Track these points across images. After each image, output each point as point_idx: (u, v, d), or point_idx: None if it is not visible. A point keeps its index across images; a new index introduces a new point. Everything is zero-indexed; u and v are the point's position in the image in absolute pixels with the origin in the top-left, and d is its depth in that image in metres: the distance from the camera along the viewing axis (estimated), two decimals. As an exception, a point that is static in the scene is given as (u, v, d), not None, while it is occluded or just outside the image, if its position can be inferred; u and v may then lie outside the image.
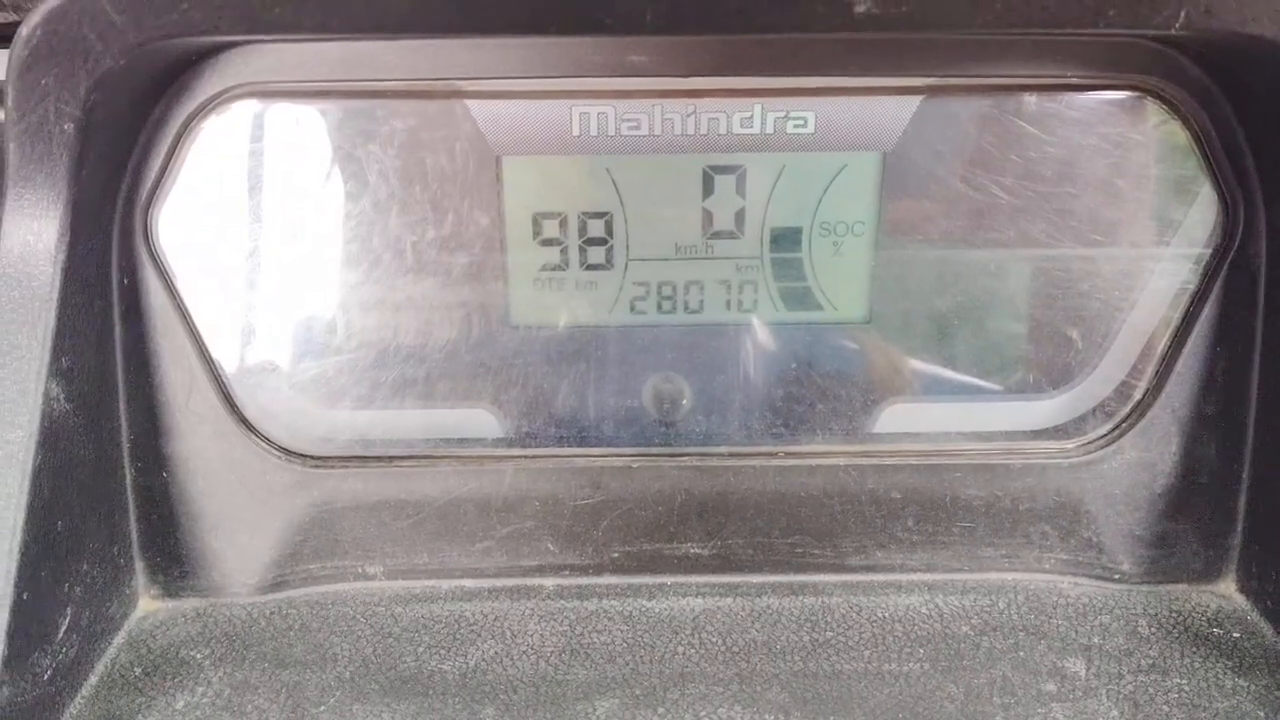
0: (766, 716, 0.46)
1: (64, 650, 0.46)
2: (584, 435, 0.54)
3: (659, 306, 0.53)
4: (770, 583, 0.55)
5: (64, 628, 0.46)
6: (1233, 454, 0.53)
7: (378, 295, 0.52)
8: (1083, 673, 0.49)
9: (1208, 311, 0.52)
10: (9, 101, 0.43)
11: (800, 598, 0.54)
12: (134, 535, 0.53)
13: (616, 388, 0.54)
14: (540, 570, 0.55)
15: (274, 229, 0.51)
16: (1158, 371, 0.53)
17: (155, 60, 0.46)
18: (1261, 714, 0.46)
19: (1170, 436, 0.54)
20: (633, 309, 0.53)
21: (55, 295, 0.46)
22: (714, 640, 0.51)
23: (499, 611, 0.52)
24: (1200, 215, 0.51)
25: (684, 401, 0.54)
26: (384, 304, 0.52)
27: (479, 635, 0.51)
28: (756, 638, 0.51)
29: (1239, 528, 0.54)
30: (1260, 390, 0.52)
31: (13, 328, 0.45)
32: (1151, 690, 0.48)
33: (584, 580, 0.55)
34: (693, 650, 0.50)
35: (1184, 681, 0.48)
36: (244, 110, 0.49)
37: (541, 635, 0.51)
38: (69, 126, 0.43)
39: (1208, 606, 0.53)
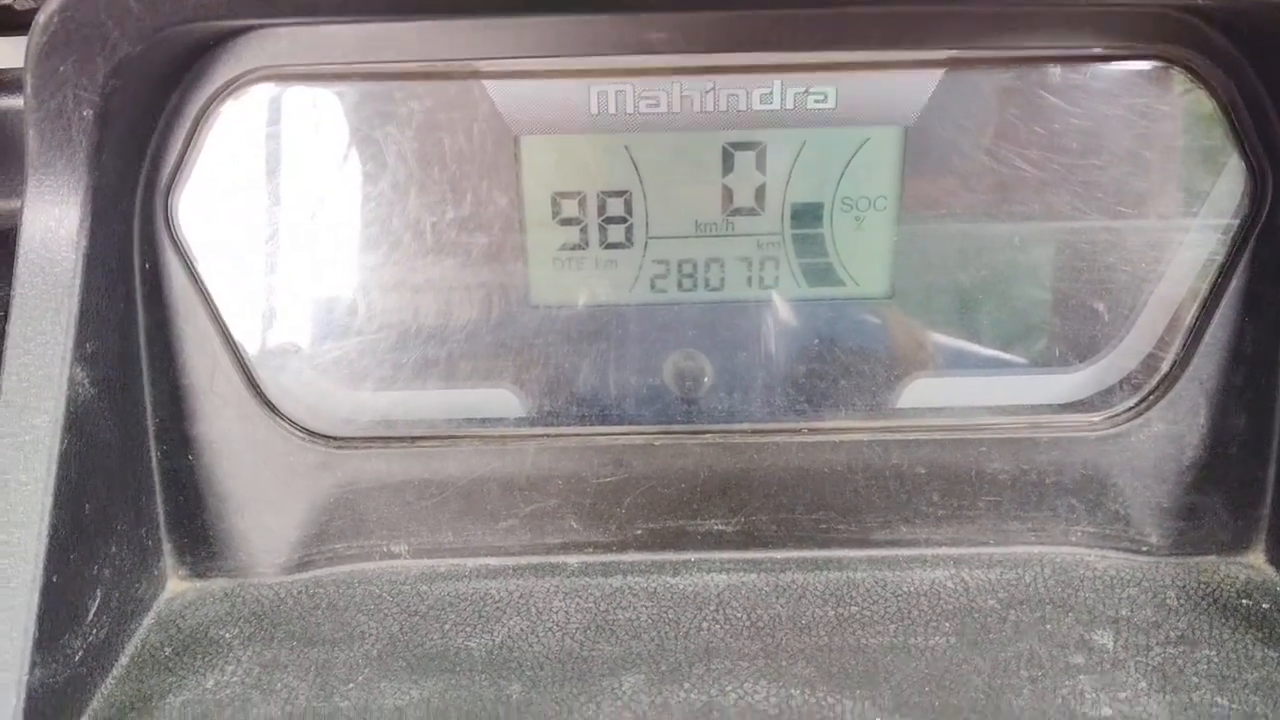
0: (792, 690, 0.46)
1: (94, 631, 0.46)
2: (606, 413, 0.54)
3: (679, 284, 0.52)
4: (794, 558, 0.55)
5: (94, 609, 0.46)
6: (1261, 425, 0.53)
7: (398, 276, 0.51)
8: (1110, 645, 0.48)
9: (1235, 282, 0.51)
10: (28, 89, 0.43)
11: (825, 573, 0.54)
12: (161, 517, 0.53)
13: (638, 366, 0.53)
14: (564, 548, 0.55)
15: (293, 211, 0.51)
16: (1185, 343, 0.53)
17: (172, 45, 0.46)
18: None
19: (1198, 408, 0.53)
20: (653, 287, 0.52)
21: (78, 281, 0.46)
22: (739, 616, 0.51)
23: (524, 589, 0.53)
24: (1228, 186, 0.50)
25: (706, 379, 0.54)
26: (404, 285, 0.52)
27: (504, 612, 0.51)
28: (781, 613, 0.51)
29: (1268, 499, 0.54)
30: (1289, 361, 0.52)
31: (37, 314, 0.46)
32: (1180, 662, 0.47)
33: (608, 558, 0.55)
34: (717, 626, 0.50)
35: (1213, 653, 0.48)
36: (261, 94, 0.49)
37: (566, 612, 0.51)
38: (88, 113, 0.44)
39: (1236, 578, 0.53)
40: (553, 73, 0.49)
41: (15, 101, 0.52)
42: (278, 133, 0.50)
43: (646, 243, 0.51)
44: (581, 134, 0.50)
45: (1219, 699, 0.46)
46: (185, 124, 0.49)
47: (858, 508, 0.55)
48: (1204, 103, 0.49)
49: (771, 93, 0.49)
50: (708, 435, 0.54)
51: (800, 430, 0.54)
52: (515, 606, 0.51)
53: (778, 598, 0.52)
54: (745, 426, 0.54)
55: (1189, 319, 0.53)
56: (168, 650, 0.49)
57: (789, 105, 0.49)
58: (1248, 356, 0.52)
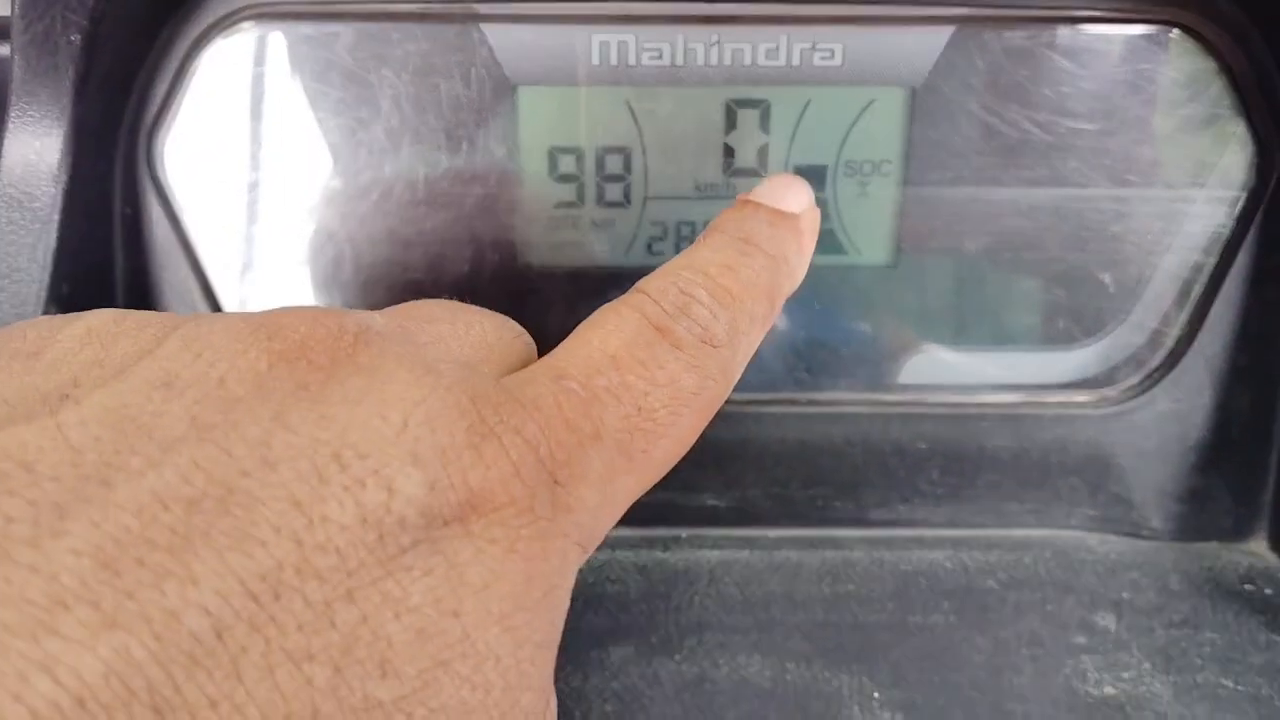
0: (788, 665, 0.45)
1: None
2: (598, 380, 0.52)
3: (677, 247, 0.51)
4: (790, 536, 0.54)
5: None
6: (1265, 407, 0.52)
7: (387, 230, 0.50)
8: (1113, 626, 0.47)
9: (1242, 257, 0.51)
10: (16, 9, 0.42)
11: (820, 551, 0.52)
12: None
13: (632, 331, 0.52)
14: None
15: (281, 159, 0.49)
16: (1190, 319, 0.52)
17: (164, -25, 0.45)
18: None
19: (1203, 387, 0.52)
20: (650, 249, 0.51)
21: (56, 216, 0.44)
22: (732, 591, 0.49)
23: (509, 561, 0.51)
24: (1235, 157, 0.50)
25: (702, 346, 0.52)
26: (393, 239, 0.50)
27: (487, 583, 0.49)
28: (776, 589, 0.49)
29: (1270, 484, 0.53)
30: (1295, 340, 0.51)
31: (13, 249, 0.44)
32: (1184, 644, 0.46)
33: None
34: (710, 600, 0.49)
35: (1217, 636, 0.47)
36: (252, 32, 0.47)
37: (552, 584, 0.49)
38: (75, 38, 0.42)
39: (1239, 564, 0.52)
40: (554, 17, 0.47)
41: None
42: (268, 74, 0.48)
43: (644, 203, 0.50)
44: (582, 85, 0.48)
45: (1224, 680, 0.44)
46: (174, 62, 0.47)
47: (855, 485, 0.54)
48: (1213, 71, 0.49)
49: (777, 48, 0.48)
50: (703, 405, 0.53)
51: (798, 401, 0.53)
52: (499, 577, 0.50)
53: (772, 575, 0.51)
54: (741, 396, 0.53)
55: (1195, 294, 0.52)
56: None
57: (795, 61, 0.48)
58: (1253, 335, 0.51)
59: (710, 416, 0.34)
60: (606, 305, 0.34)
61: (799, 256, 0.40)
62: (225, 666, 0.20)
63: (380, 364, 0.26)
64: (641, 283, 0.35)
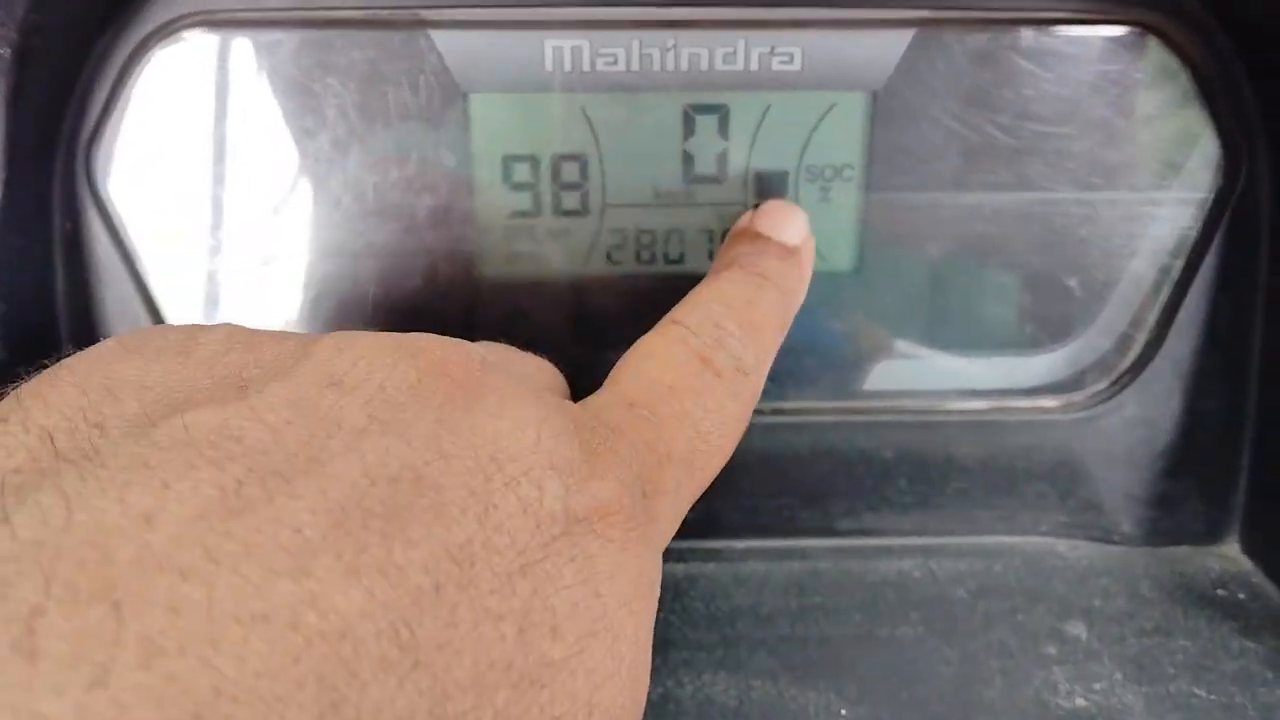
0: (753, 682, 0.44)
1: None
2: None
3: (637, 256, 0.50)
4: (756, 548, 0.53)
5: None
6: (1234, 410, 0.52)
7: (337, 242, 0.48)
8: (1084, 635, 0.47)
9: (1209, 260, 0.50)
10: (-60, 23, 0.40)
11: (787, 563, 0.51)
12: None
13: (593, 342, 0.51)
14: None
15: (225, 170, 0.47)
16: (1158, 322, 0.51)
17: (100, -17, 0.43)
18: (1269, 675, 0.44)
19: (1172, 391, 0.52)
20: (609, 259, 0.50)
21: (-9, 235, 0.43)
22: (697, 606, 0.48)
23: (470, 579, 0.50)
24: (1202, 159, 0.49)
25: (664, 356, 0.51)
26: (344, 253, 0.48)
27: (448, 603, 0.48)
28: (741, 604, 0.49)
29: (1242, 487, 0.52)
30: (1263, 342, 0.50)
31: (-55, 270, 0.42)
32: (1155, 652, 0.46)
33: None
34: (674, 616, 0.48)
35: (1189, 643, 0.46)
36: (194, 41, 0.46)
37: (514, 602, 0.48)
38: (5, 52, 0.41)
39: (1211, 569, 0.51)
40: (505, 23, 0.46)
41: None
42: (211, 83, 0.46)
43: (603, 210, 0.49)
44: (535, 92, 0.47)
45: (1196, 689, 0.44)
46: (111, 72, 0.46)
47: (822, 494, 0.53)
48: (1179, 73, 0.48)
49: (735, 52, 0.47)
50: (665, 416, 0.51)
51: (763, 411, 0.52)
52: (460, 596, 0.48)
53: (738, 588, 0.50)
54: (705, 407, 0.52)
55: (1163, 298, 0.51)
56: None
57: (753, 66, 0.47)
58: (1222, 337, 0.51)
59: (741, 435, 0.39)
60: (649, 335, 0.39)
61: (801, 286, 0.45)
62: (445, 616, 0.23)
63: (504, 388, 0.30)
64: (677, 314, 0.40)
